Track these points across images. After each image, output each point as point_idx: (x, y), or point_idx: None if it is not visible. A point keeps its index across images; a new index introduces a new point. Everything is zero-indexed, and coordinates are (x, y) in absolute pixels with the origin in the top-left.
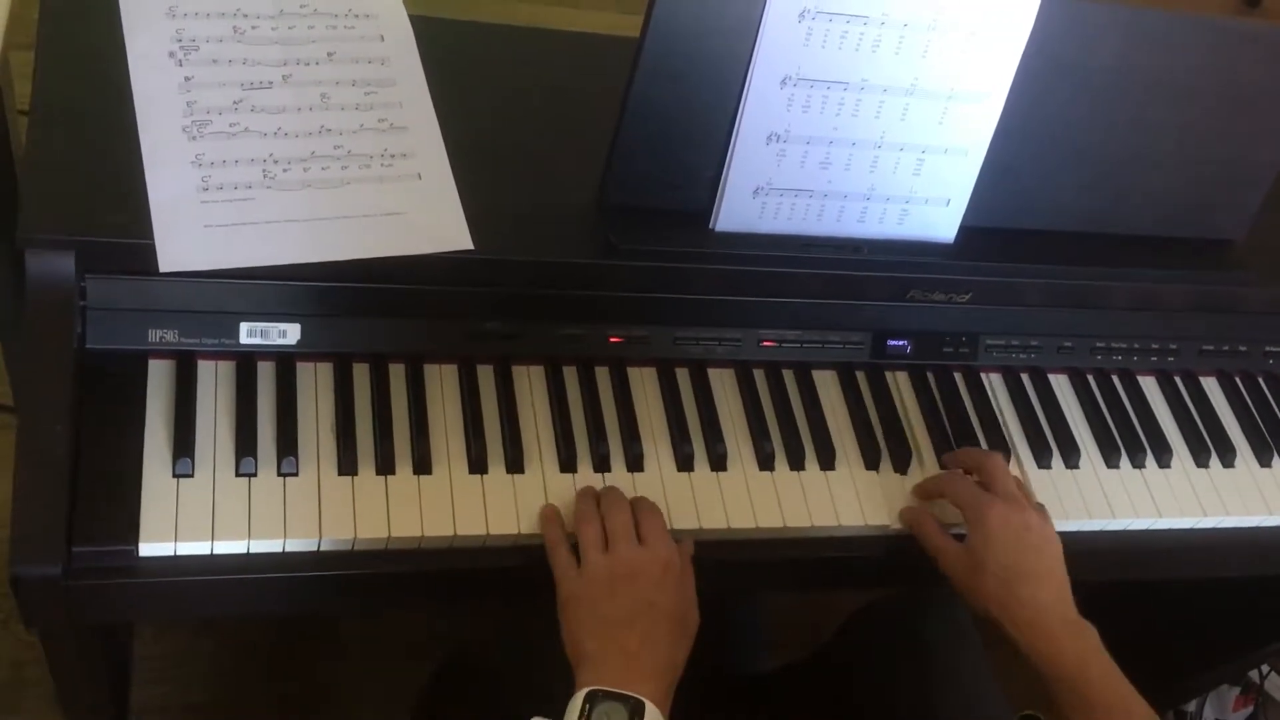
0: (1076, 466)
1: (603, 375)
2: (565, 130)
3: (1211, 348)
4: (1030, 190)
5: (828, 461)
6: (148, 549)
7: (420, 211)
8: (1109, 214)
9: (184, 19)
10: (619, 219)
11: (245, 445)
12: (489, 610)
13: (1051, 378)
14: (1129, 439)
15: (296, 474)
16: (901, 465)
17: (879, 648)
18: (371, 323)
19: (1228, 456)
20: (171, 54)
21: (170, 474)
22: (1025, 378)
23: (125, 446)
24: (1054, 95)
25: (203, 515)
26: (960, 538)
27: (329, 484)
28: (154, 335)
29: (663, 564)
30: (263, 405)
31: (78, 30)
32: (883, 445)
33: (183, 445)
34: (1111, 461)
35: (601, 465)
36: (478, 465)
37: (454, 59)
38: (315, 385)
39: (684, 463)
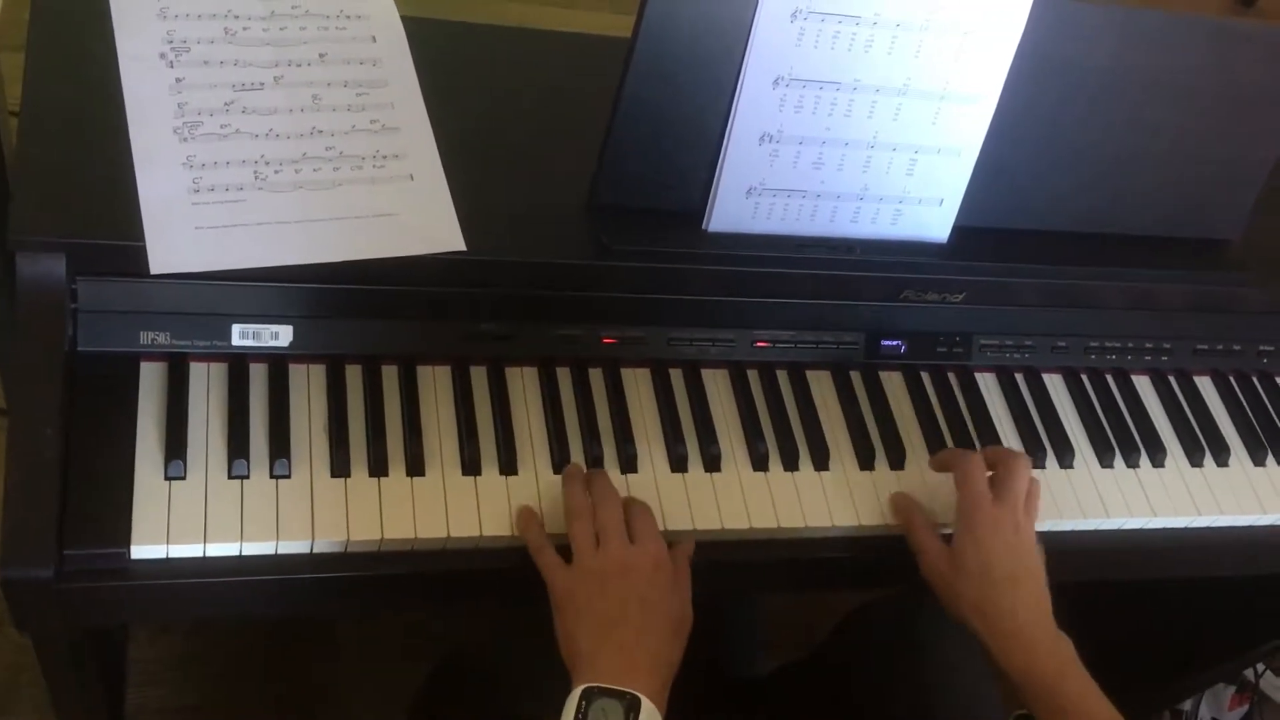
0: (1071, 466)
1: (596, 376)
2: (558, 131)
3: (1206, 347)
4: (1024, 190)
5: (822, 462)
6: (140, 551)
7: (412, 213)
8: (1103, 214)
9: (175, 20)
10: (611, 220)
11: (237, 447)
12: (484, 610)
13: (1046, 377)
14: (1123, 438)
15: (289, 476)
16: (896, 465)
17: (875, 648)
18: (364, 324)
19: (1222, 456)
20: (162, 55)
21: (162, 476)
22: (1019, 377)
23: (117, 449)
24: (1047, 95)
25: (195, 518)
26: (949, 538)
27: (322, 486)
28: (146, 337)
29: (654, 561)
30: (255, 407)
31: (69, 32)
32: (877, 446)
33: (175, 447)
34: (1106, 461)
35: (595, 466)
36: (471, 467)
37: (446, 60)
38: (308, 387)
39: (678, 464)
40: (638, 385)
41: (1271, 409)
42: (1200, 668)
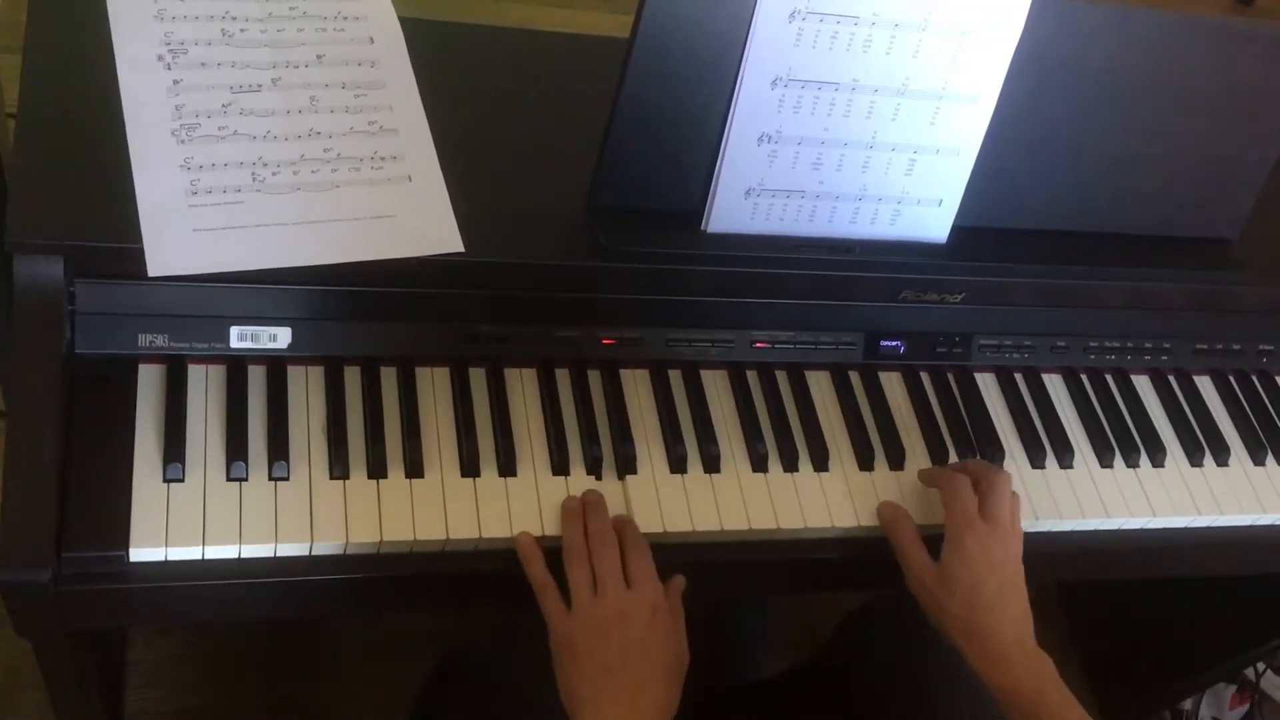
0: (1071, 466)
1: (595, 377)
2: (556, 132)
3: (1205, 347)
4: (1023, 190)
5: (821, 463)
6: (138, 554)
7: (411, 214)
8: (1102, 213)
9: (172, 22)
10: (610, 220)
11: (236, 450)
12: (484, 612)
13: (1045, 377)
14: (1123, 438)
15: (288, 478)
16: (895, 466)
17: (877, 648)
18: (362, 326)
19: (1222, 455)
20: (160, 57)
21: (161, 479)
22: (1019, 377)
23: (115, 451)
24: (1046, 95)
25: (194, 520)
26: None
27: (320, 488)
28: (144, 340)
29: (651, 606)
30: (253, 409)
31: (66, 34)
32: (876, 446)
33: (173, 450)
34: (1105, 461)
35: (594, 468)
36: (470, 468)
37: (444, 61)
38: (306, 389)
39: (677, 464)
40: (637, 386)
41: (1271, 408)
42: (1200, 667)
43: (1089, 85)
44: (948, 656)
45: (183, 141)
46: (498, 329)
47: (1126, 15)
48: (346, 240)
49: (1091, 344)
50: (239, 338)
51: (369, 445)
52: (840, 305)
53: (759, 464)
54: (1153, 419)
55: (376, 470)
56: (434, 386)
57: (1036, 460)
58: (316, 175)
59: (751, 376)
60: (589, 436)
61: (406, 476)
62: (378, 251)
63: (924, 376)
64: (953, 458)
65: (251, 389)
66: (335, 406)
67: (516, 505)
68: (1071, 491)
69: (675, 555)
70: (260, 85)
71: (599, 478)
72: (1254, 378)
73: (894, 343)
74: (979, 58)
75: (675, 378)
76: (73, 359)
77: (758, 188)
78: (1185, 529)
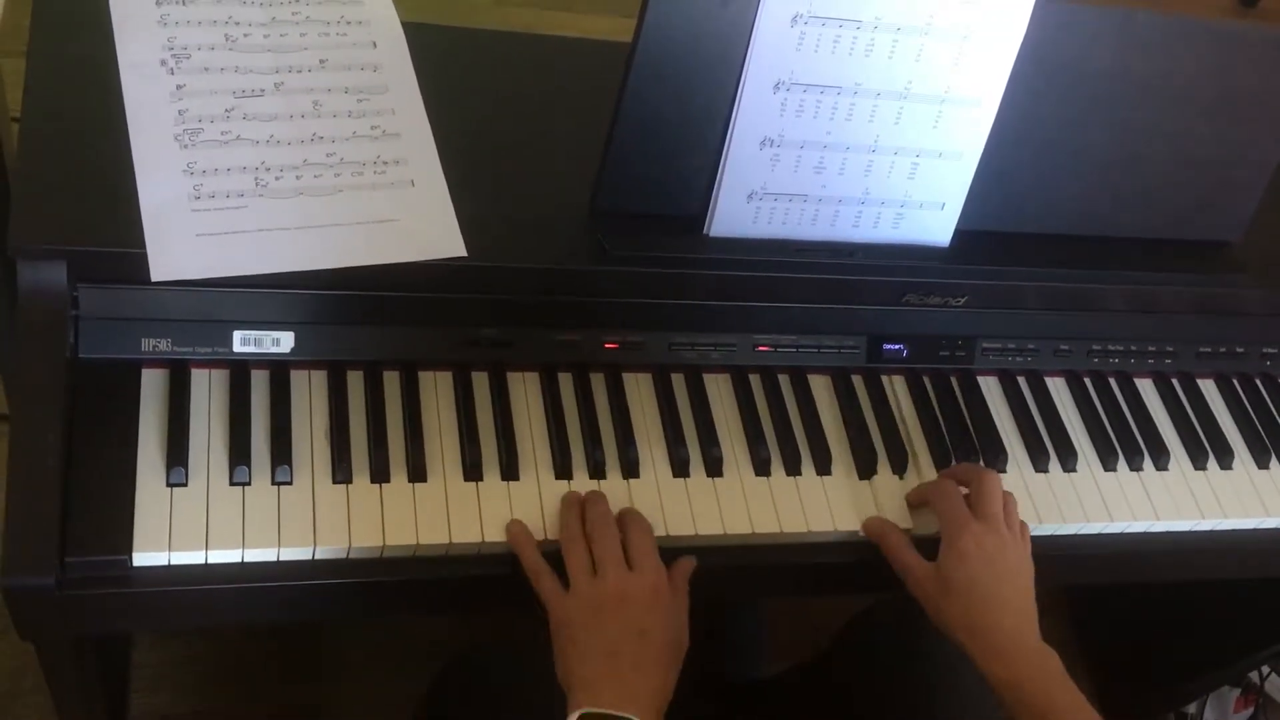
0: (1074, 470)
1: (598, 381)
2: (558, 136)
3: (1209, 350)
4: (1026, 193)
5: (824, 466)
6: (141, 559)
7: (413, 218)
8: (1105, 217)
9: (176, 27)
10: (612, 224)
11: (239, 454)
12: (487, 616)
13: (1048, 381)
14: (1126, 442)
15: (291, 482)
16: (898, 470)
17: (878, 652)
18: (365, 330)
19: (1225, 459)
20: (163, 62)
21: (164, 483)
22: (1022, 381)
23: (119, 456)
24: (1049, 98)
25: (197, 525)
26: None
27: (323, 492)
28: (147, 344)
29: (651, 588)
30: (256, 414)
31: (70, 38)
32: (879, 450)
33: (176, 454)
34: (1109, 464)
35: (597, 471)
36: (473, 473)
37: (447, 65)
38: (309, 393)
39: (680, 468)
40: (639, 390)
41: (1275, 411)
42: (1205, 671)
43: (1091, 88)
44: (950, 662)
45: (185, 146)
46: (500, 333)
47: (1129, 18)
48: (349, 244)
49: (1095, 347)
50: (242, 342)
51: (372, 449)
52: (843, 309)
53: (762, 467)
54: (1156, 422)
55: (379, 474)
56: (437, 390)
57: (1040, 463)
58: (319, 180)
59: (754, 380)
60: (592, 440)
61: (409, 480)
62: (380, 256)
63: (927, 380)
64: (955, 462)
65: (254, 393)
66: (338, 410)
67: (519, 509)
68: (1075, 495)
69: (678, 558)
70: (263, 90)
71: (602, 481)
72: (1257, 381)
73: (897, 346)
74: (981, 61)
75: (678, 381)
76: (76, 363)
77: (760, 191)
78: (1189, 532)
